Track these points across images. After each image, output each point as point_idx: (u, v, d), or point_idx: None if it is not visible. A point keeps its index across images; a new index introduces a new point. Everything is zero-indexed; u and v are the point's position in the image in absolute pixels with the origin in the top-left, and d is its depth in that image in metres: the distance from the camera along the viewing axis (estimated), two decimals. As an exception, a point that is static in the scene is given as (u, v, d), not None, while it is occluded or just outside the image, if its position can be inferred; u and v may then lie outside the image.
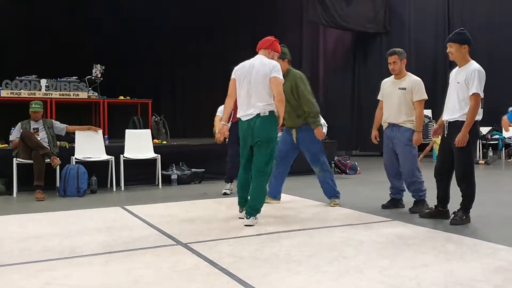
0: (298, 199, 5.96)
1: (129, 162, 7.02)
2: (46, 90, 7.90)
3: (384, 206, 5.24)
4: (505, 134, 11.15)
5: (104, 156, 6.94)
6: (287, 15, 13.54)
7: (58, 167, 6.36)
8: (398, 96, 5.04)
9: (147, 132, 7.69)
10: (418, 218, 4.63)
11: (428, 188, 5.03)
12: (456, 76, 4.42)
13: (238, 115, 4.57)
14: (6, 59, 9.76)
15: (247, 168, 4.52)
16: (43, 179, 6.10)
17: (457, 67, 4.49)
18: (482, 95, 4.24)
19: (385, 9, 13.82)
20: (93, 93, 8.36)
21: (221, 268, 3.01)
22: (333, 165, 8.79)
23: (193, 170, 7.59)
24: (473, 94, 4.21)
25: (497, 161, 10.67)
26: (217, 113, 8.22)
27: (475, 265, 3.08)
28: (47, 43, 10.33)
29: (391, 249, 3.48)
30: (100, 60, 8.76)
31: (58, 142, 6.82)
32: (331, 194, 5.42)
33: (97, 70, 8.49)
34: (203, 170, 7.70)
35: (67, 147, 6.96)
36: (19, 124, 6.66)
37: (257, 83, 4.43)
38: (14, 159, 6.24)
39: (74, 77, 8.30)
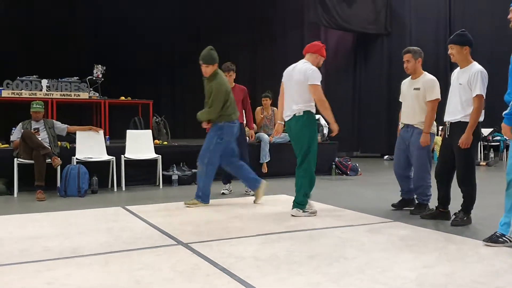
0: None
1: (130, 163, 7.03)
2: (47, 90, 7.91)
3: (393, 206, 5.21)
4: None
5: (105, 157, 6.94)
6: (288, 16, 13.55)
7: (59, 167, 6.36)
8: (412, 97, 4.99)
9: (148, 132, 7.69)
10: (419, 219, 4.63)
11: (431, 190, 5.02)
12: (458, 77, 4.41)
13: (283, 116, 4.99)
14: (8, 59, 9.77)
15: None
16: (44, 179, 6.10)
17: (458, 68, 4.48)
18: (484, 97, 4.24)
19: (386, 10, 13.82)
20: (94, 94, 8.37)
21: (221, 268, 3.01)
22: (334, 166, 8.80)
23: (193, 170, 7.58)
24: (477, 95, 4.20)
25: (498, 163, 10.66)
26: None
27: (476, 266, 3.07)
28: (48, 43, 10.35)
29: (392, 250, 3.47)
30: (101, 60, 8.77)
31: (59, 142, 6.82)
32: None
33: (98, 71, 8.49)
34: (204, 170, 7.69)
35: (68, 147, 6.96)
36: (20, 124, 6.66)
37: (292, 88, 4.84)
38: (15, 159, 6.24)
39: (75, 78, 8.32)
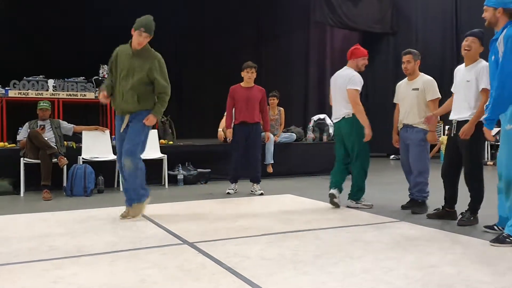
0: (304, 199, 5.95)
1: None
2: (53, 90, 7.94)
3: (403, 207, 5.18)
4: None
5: (111, 156, 6.96)
6: (294, 15, 13.53)
7: (65, 167, 6.38)
8: (411, 97, 5.06)
9: (154, 132, 7.70)
10: (425, 219, 4.61)
11: (437, 189, 5.00)
12: (464, 74, 4.40)
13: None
14: (14, 60, 9.81)
15: (340, 162, 5.36)
16: (50, 178, 6.13)
17: (463, 65, 4.47)
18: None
19: (392, 10, 13.79)
20: (100, 93, 8.39)
21: (227, 268, 3.01)
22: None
23: (199, 170, 7.61)
24: (483, 89, 4.19)
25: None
26: (226, 114, 8.24)
27: (482, 266, 3.05)
28: (54, 43, 10.38)
29: (398, 249, 3.46)
30: (107, 60, 8.77)
31: (65, 142, 6.85)
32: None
33: (104, 71, 8.52)
34: (209, 170, 7.71)
35: (74, 147, 6.98)
36: (27, 124, 6.70)
37: (337, 93, 5.29)
38: (22, 158, 6.27)
39: (81, 78, 8.34)
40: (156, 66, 4.71)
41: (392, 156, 12.87)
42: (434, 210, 4.79)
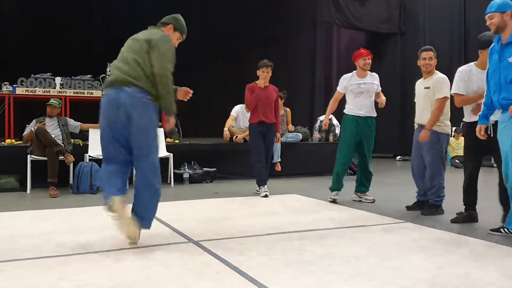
0: (309, 199, 5.94)
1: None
2: (60, 88, 7.97)
3: (408, 208, 5.17)
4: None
5: (117, 154, 6.97)
6: (301, 15, 13.52)
7: (71, 165, 6.41)
8: (423, 96, 4.99)
9: (160, 131, 7.71)
10: (431, 220, 4.59)
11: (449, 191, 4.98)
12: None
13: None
14: (22, 57, 9.87)
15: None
16: (57, 176, 6.15)
17: (475, 67, 4.46)
18: None
19: (399, 10, 13.74)
20: (107, 92, 8.41)
21: (232, 267, 3.00)
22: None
23: (204, 169, 7.61)
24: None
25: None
26: (232, 113, 8.25)
27: (490, 268, 3.03)
28: (62, 42, 10.43)
29: (404, 250, 3.45)
30: (114, 59, 8.81)
31: (72, 140, 6.87)
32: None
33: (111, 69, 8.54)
34: (215, 169, 7.71)
35: (81, 144, 7.01)
36: (34, 120, 6.73)
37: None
38: (28, 155, 6.30)
39: (88, 76, 8.37)
40: None
41: (398, 157, 12.84)
42: (457, 214, 4.62)
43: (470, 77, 4.44)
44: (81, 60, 10.04)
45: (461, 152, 11.24)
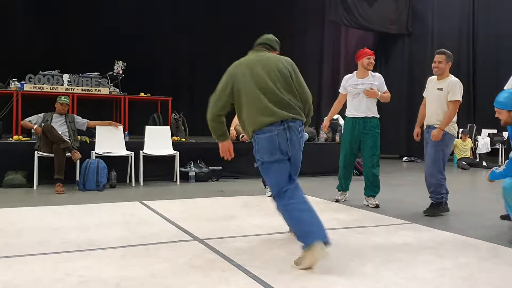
0: (315, 199, 5.93)
1: (148, 158, 7.08)
2: (68, 85, 8.01)
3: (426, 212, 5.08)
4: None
5: (124, 152, 7.01)
6: (308, 15, 13.50)
7: (78, 161, 6.44)
8: (435, 97, 4.98)
9: (167, 129, 7.75)
10: (437, 222, 4.57)
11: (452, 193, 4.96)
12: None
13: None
14: (30, 54, 9.92)
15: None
16: (63, 172, 6.18)
17: None
18: None
19: (408, 10, 13.69)
20: (114, 89, 8.45)
21: (237, 265, 3.01)
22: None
23: (210, 168, 7.62)
24: None
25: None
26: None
27: (494, 270, 3.02)
28: (70, 39, 10.47)
29: (409, 251, 3.44)
30: (122, 57, 8.85)
31: (79, 137, 6.90)
32: None
33: (118, 67, 8.57)
34: (221, 168, 7.72)
35: (88, 141, 7.04)
36: (43, 114, 6.76)
37: None
38: (35, 152, 6.33)
39: (96, 73, 8.40)
40: None
41: (405, 158, 12.79)
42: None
43: None
44: (89, 57, 10.07)
45: (467, 154, 11.20)
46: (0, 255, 3.14)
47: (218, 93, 3.54)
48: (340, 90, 5.72)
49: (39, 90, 7.79)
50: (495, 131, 11.33)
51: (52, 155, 6.23)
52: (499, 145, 11.14)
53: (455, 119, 4.94)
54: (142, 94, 8.81)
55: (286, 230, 4.05)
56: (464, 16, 12.64)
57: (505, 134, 10.82)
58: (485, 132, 11.90)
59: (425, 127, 5.15)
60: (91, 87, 8.18)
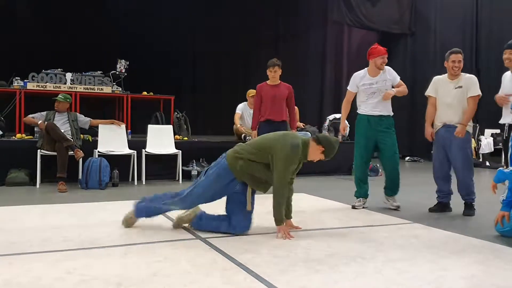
0: (317, 199, 5.93)
1: (150, 157, 7.09)
2: (71, 84, 8.01)
3: (431, 210, 5.12)
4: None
5: (126, 150, 7.01)
6: (311, 15, 13.48)
7: (81, 160, 6.45)
8: (454, 96, 4.94)
9: (169, 128, 7.75)
10: (440, 222, 4.56)
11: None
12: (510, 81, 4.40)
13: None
14: (33, 53, 9.93)
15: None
16: (66, 171, 6.19)
17: (510, 72, 4.44)
18: None
19: (410, 10, 13.68)
20: (117, 88, 8.45)
21: (239, 264, 3.01)
22: (353, 167, 8.71)
23: (213, 167, 7.61)
24: None
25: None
26: (237, 111, 8.26)
27: (496, 271, 3.02)
28: (73, 37, 10.47)
29: (411, 251, 3.43)
30: (124, 55, 8.85)
31: (81, 135, 6.91)
32: None
33: (121, 65, 8.57)
34: (223, 167, 7.70)
35: (90, 140, 7.05)
36: (46, 112, 6.77)
37: None
38: (38, 150, 6.34)
39: (98, 72, 8.40)
40: None
41: (407, 158, 12.77)
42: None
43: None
44: (91, 56, 10.07)
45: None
46: (1, 253, 3.15)
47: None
48: (350, 88, 5.40)
49: (42, 88, 7.80)
50: (498, 131, 11.29)
51: (54, 153, 6.24)
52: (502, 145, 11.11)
53: None
54: (145, 93, 8.81)
55: (289, 229, 4.05)
56: (467, 16, 12.59)
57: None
58: (488, 132, 11.87)
59: (439, 127, 5.08)
60: (94, 85, 8.19)
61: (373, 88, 5.22)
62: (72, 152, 6.26)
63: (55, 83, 7.90)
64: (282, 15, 13.33)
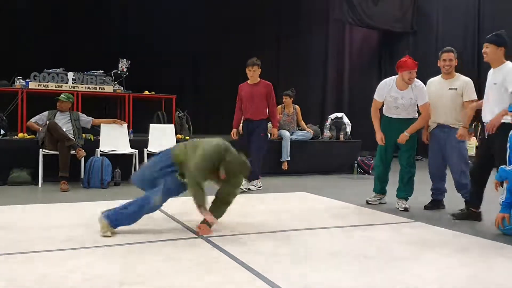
0: (319, 197, 5.93)
1: (152, 156, 7.07)
2: (73, 83, 8.02)
3: (426, 207, 5.19)
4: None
5: (128, 150, 7.02)
6: (313, 13, 13.47)
7: (83, 159, 6.45)
8: (449, 97, 4.97)
9: (171, 127, 7.75)
10: (442, 220, 4.56)
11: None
12: (491, 77, 4.38)
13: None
14: (35, 52, 9.93)
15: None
16: (68, 170, 6.19)
17: (492, 68, 4.43)
18: None
19: (412, 9, 13.66)
20: (118, 87, 8.45)
21: (240, 262, 3.01)
22: (356, 165, 8.73)
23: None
24: None
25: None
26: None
27: (499, 269, 3.01)
28: (75, 37, 10.48)
29: (413, 250, 3.43)
30: (126, 54, 8.85)
31: (83, 135, 6.92)
32: None
33: (123, 65, 8.57)
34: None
35: (92, 139, 7.05)
36: (47, 112, 6.79)
37: None
38: (40, 149, 6.35)
39: (100, 71, 8.41)
40: None
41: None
42: (459, 210, 4.77)
43: None
44: (93, 55, 10.08)
45: (472, 153, 11.14)
46: (4, 252, 3.15)
47: None
48: (376, 98, 5.33)
49: (44, 88, 7.81)
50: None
51: (57, 152, 6.24)
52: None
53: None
54: (147, 92, 8.82)
55: (289, 228, 4.06)
56: (469, 14, 12.54)
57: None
58: (490, 131, 11.83)
59: (434, 126, 5.14)
60: (96, 85, 8.19)
61: (397, 103, 5.18)
62: (74, 152, 6.27)
63: (57, 83, 7.90)
64: (283, 14, 13.31)
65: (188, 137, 8.14)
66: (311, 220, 4.45)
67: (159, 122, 8.25)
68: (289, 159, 8.17)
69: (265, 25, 12.93)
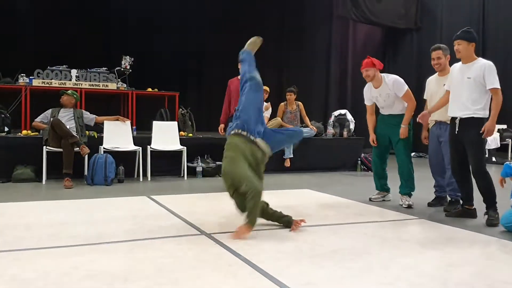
0: (322, 195, 5.93)
1: (155, 153, 7.10)
2: (76, 81, 8.03)
3: (430, 204, 5.19)
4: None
5: (131, 147, 7.03)
6: (317, 9, 13.44)
7: (86, 156, 6.46)
8: (442, 94, 4.93)
9: (174, 124, 7.76)
10: (445, 217, 4.55)
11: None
12: (463, 72, 4.37)
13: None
14: (38, 49, 9.95)
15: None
16: (72, 167, 6.21)
17: (460, 63, 4.45)
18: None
19: (416, 5, 13.61)
20: (122, 85, 8.46)
21: (244, 259, 3.01)
22: (359, 162, 8.72)
23: (217, 163, 7.62)
24: (495, 88, 4.19)
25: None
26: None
27: (502, 266, 3.00)
28: (78, 34, 10.49)
29: (416, 247, 3.42)
30: (129, 52, 8.86)
31: (86, 132, 6.93)
32: None
33: (126, 62, 8.58)
34: (228, 163, 7.71)
35: (96, 136, 7.07)
36: (50, 110, 6.80)
37: None
38: (44, 147, 6.37)
39: (103, 68, 8.42)
40: None
41: (412, 154, 12.72)
42: (454, 209, 4.76)
43: None
44: (96, 53, 10.09)
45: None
46: (8, 249, 3.17)
47: None
48: (366, 103, 5.44)
49: (47, 85, 7.83)
50: (505, 126, 11.23)
51: (60, 149, 6.26)
52: (509, 141, 11.06)
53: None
54: (150, 89, 8.82)
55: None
56: (474, 10, 12.48)
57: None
58: (494, 127, 11.81)
59: (433, 123, 5.14)
60: (99, 82, 8.20)
61: (380, 102, 5.28)
62: (78, 149, 6.28)
63: (60, 80, 7.92)
64: (287, 11, 13.29)
65: (191, 134, 8.15)
66: (314, 217, 4.45)
67: (162, 119, 8.26)
68: (292, 156, 8.17)
69: (269, 22, 12.90)
